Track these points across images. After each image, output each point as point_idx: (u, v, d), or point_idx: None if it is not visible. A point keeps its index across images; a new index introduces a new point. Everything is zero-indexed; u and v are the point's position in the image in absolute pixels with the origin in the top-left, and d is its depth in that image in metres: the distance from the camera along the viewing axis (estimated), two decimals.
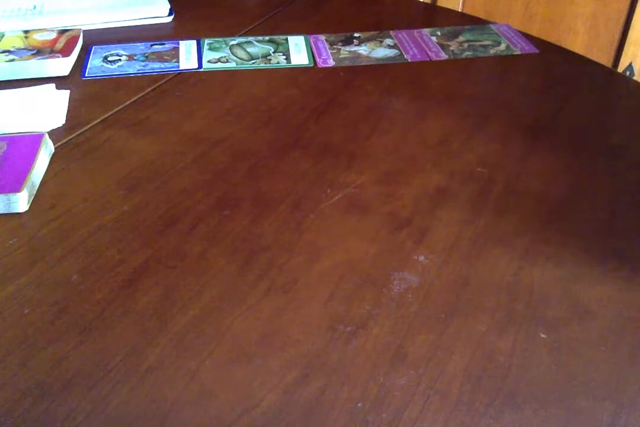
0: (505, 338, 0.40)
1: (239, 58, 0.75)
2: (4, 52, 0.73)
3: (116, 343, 0.40)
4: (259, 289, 0.44)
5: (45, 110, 0.64)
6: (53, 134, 0.61)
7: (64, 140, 0.60)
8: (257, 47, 0.78)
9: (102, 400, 0.36)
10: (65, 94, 0.67)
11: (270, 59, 0.75)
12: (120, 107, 0.66)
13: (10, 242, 0.48)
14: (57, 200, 0.52)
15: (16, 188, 0.50)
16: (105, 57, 0.75)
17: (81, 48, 0.76)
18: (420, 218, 0.50)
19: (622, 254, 0.46)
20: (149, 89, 0.69)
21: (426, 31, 0.82)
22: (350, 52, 0.76)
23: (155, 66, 0.73)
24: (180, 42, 0.79)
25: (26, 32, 0.78)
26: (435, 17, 0.91)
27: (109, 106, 0.66)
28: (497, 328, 0.41)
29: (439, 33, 0.81)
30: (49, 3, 0.85)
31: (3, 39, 0.76)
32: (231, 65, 0.74)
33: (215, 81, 0.71)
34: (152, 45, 0.78)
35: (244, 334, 0.40)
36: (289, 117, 0.64)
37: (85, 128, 0.62)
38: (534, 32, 0.82)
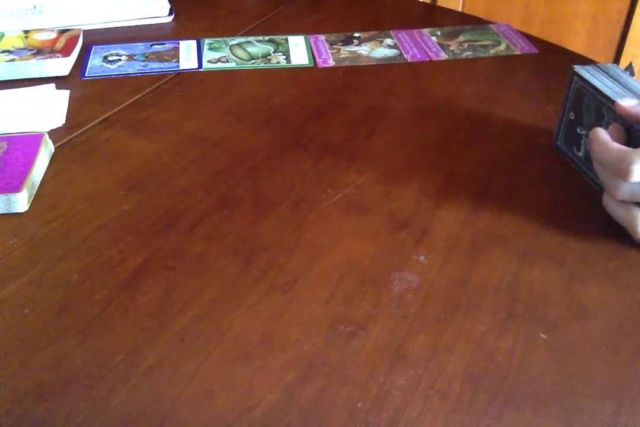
0: (505, 338, 0.40)
1: (239, 58, 0.75)
2: (4, 52, 0.73)
3: (116, 343, 0.40)
4: (259, 289, 0.44)
5: (45, 110, 0.64)
6: (53, 134, 0.61)
7: (64, 140, 0.60)
8: (257, 47, 0.78)
9: (102, 400, 0.36)
10: (65, 94, 0.67)
11: (270, 59, 0.75)
12: (120, 107, 0.66)
13: (10, 242, 0.48)
14: (57, 200, 0.52)
15: (16, 188, 0.50)
16: (105, 57, 0.75)
17: (81, 48, 0.76)
18: (420, 218, 0.50)
19: (622, 253, 0.46)
20: (149, 89, 0.69)
21: (426, 31, 0.82)
22: (350, 52, 0.76)
23: (155, 66, 0.73)
24: (180, 42, 0.79)
25: (26, 32, 0.78)
26: (435, 17, 0.91)
27: (109, 106, 0.66)
28: (497, 328, 0.41)
29: (439, 33, 0.81)
30: (49, 3, 0.85)
31: (3, 39, 0.76)
32: (231, 65, 0.74)
33: (215, 81, 0.71)
34: (152, 45, 0.78)
35: (244, 334, 0.40)
36: (289, 117, 0.64)
37: (85, 128, 0.62)
38: (534, 32, 0.82)
